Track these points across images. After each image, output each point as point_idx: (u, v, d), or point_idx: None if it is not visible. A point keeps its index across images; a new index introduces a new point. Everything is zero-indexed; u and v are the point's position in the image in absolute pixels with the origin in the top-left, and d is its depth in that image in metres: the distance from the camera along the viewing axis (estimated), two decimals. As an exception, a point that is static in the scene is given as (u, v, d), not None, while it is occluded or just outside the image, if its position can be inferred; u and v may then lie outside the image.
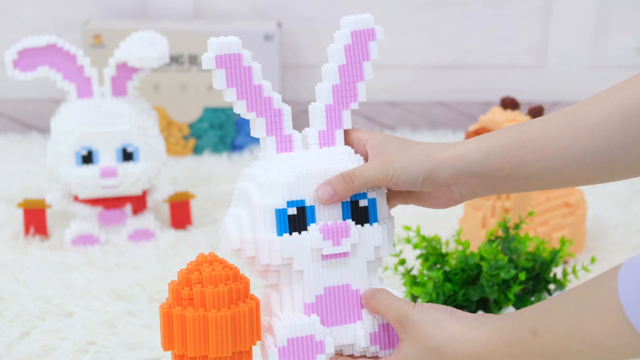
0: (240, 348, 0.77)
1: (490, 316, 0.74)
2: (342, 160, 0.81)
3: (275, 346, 0.78)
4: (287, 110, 0.82)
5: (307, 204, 0.79)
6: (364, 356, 0.81)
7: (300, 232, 0.79)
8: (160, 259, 1.31)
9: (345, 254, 0.80)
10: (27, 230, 1.37)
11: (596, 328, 0.67)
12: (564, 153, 0.77)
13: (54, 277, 1.24)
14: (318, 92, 0.84)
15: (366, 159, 0.83)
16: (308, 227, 0.79)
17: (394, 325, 0.77)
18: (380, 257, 0.82)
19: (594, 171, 0.78)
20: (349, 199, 0.80)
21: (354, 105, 0.84)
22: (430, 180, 0.80)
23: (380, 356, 0.81)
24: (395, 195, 0.85)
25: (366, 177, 0.79)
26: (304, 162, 0.80)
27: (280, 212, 0.78)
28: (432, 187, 0.80)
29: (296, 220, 0.79)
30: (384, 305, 0.78)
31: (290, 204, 0.79)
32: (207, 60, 0.80)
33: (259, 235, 0.78)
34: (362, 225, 0.81)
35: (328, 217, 0.80)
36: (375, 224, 0.81)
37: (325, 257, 0.79)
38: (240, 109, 0.80)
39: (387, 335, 0.81)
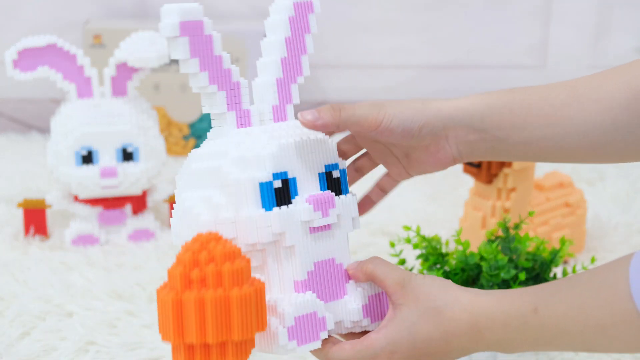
0: (260, 329, 0.71)
1: (491, 290, 0.75)
2: (315, 132, 0.78)
3: (284, 326, 0.72)
4: (244, 83, 0.79)
5: (290, 175, 0.75)
6: (352, 333, 0.78)
7: (287, 206, 0.74)
8: (160, 259, 1.31)
9: (329, 227, 0.76)
10: (27, 230, 1.37)
11: (602, 313, 0.66)
12: (567, 122, 0.76)
13: (54, 277, 1.24)
14: (265, 66, 0.81)
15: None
16: (292, 200, 0.75)
17: (394, 289, 0.74)
18: (354, 229, 0.79)
19: (594, 147, 0.76)
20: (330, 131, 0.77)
21: (300, 80, 0.81)
22: (429, 130, 0.76)
23: (370, 329, 0.77)
24: (392, 159, 0.82)
25: (355, 111, 0.75)
26: (279, 134, 0.76)
27: (264, 186, 0.73)
28: (429, 139, 0.77)
29: (281, 193, 0.74)
30: (383, 270, 0.75)
31: (275, 176, 0.74)
32: (169, 27, 0.74)
33: (243, 212, 0.73)
34: (338, 196, 0.77)
35: (309, 189, 0.76)
36: (348, 195, 0.78)
37: (313, 230, 0.75)
38: (201, 81, 0.76)
39: (379, 306, 0.78)
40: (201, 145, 0.79)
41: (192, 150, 0.79)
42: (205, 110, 0.78)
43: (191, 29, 0.76)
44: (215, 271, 0.69)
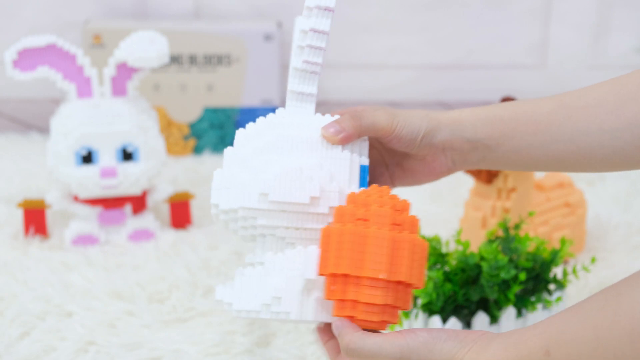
0: (420, 285, 0.72)
1: (493, 337, 0.71)
2: None
3: None
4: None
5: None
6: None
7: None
8: (160, 259, 1.31)
9: None
10: (27, 230, 1.37)
11: (622, 345, 0.63)
12: (555, 129, 0.77)
13: (54, 277, 1.24)
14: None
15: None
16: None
17: None
18: None
19: (583, 152, 0.77)
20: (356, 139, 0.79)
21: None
22: (428, 140, 0.79)
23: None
24: (381, 169, 0.84)
25: (374, 119, 0.78)
26: None
27: (364, 169, 0.78)
28: (427, 149, 0.80)
29: (364, 178, 0.79)
30: (369, 355, 0.72)
31: (363, 167, 0.79)
32: None
33: (347, 187, 0.77)
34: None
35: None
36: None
37: None
38: (319, 58, 0.79)
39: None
40: (276, 115, 0.80)
41: (274, 117, 0.79)
42: (290, 87, 0.79)
43: None
44: (378, 212, 0.71)
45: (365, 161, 0.79)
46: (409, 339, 0.71)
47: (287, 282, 0.75)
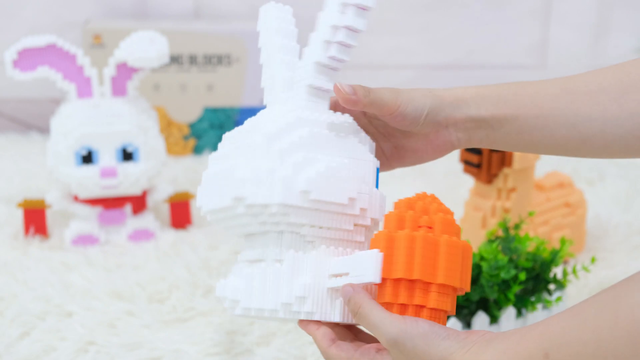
0: (464, 286, 0.73)
1: (492, 338, 0.70)
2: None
3: None
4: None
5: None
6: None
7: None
8: (160, 259, 1.31)
9: None
10: (27, 230, 1.37)
11: (622, 347, 0.63)
12: (558, 113, 0.78)
13: (54, 277, 1.24)
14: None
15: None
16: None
17: (388, 345, 0.72)
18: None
19: (584, 138, 0.78)
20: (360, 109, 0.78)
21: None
22: (432, 117, 0.79)
23: None
24: (384, 150, 0.83)
25: (380, 95, 0.77)
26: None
27: (377, 170, 0.79)
28: (431, 127, 0.79)
29: (377, 179, 0.80)
30: (369, 324, 0.72)
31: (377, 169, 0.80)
32: None
33: (372, 189, 0.77)
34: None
35: None
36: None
37: None
38: (347, 56, 0.78)
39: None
40: (297, 108, 0.79)
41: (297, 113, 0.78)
42: (310, 82, 0.78)
43: None
44: (430, 219, 0.73)
45: (378, 162, 0.80)
46: (409, 326, 0.71)
47: (314, 281, 0.74)
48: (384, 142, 0.84)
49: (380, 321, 0.71)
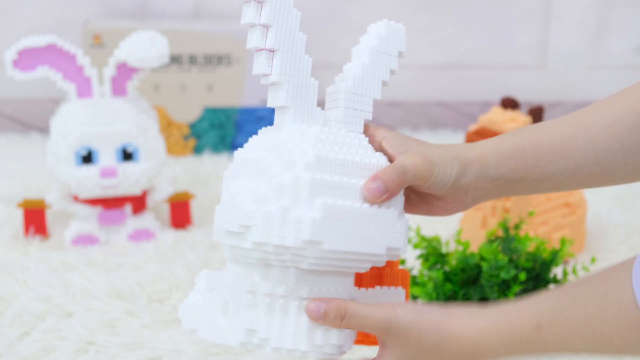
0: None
1: (483, 308, 0.72)
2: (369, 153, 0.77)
3: None
4: (314, 84, 0.77)
5: None
6: None
7: None
8: (160, 259, 1.31)
9: None
10: (27, 230, 1.37)
11: (609, 326, 0.65)
12: (577, 153, 0.77)
13: (54, 277, 1.24)
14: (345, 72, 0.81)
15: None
16: None
17: (379, 334, 0.73)
18: None
19: (606, 172, 0.77)
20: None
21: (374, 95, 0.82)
22: (455, 184, 0.78)
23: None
24: (409, 202, 0.83)
25: (416, 171, 0.75)
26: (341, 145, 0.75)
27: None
28: (452, 192, 0.78)
29: None
30: (360, 319, 0.72)
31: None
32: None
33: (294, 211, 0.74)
34: None
35: None
36: None
37: None
38: (267, 71, 0.73)
39: None
40: (259, 133, 0.77)
41: (251, 139, 0.76)
42: (269, 103, 0.75)
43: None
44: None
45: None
46: (398, 306, 0.72)
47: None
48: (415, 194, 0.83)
49: (371, 311, 0.72)
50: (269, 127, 0.77)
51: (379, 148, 0.79)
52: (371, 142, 0.80)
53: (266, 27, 0.72)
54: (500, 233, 1.15)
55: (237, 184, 0.73)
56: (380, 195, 0.73)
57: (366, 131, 0.80)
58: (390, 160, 0.78)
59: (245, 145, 0.76)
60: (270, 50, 0.72)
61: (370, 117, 0.79)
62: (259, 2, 0.72)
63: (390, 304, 0.73)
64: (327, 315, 0.72)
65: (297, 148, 0.72)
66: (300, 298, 0.73)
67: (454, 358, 0.72)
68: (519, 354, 0.71)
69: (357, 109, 0.79)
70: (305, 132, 0.74)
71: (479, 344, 0.71)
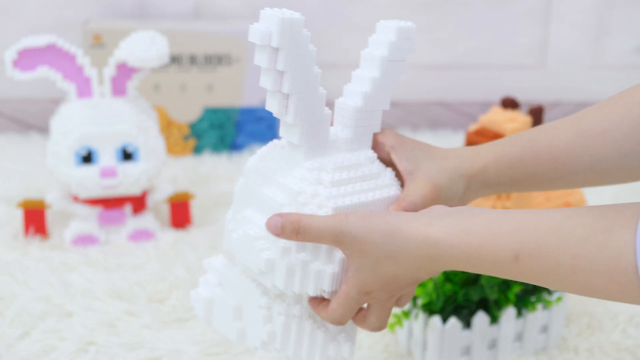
0: None
1: (446, 212, 0.71)
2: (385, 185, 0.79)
3: None
4: (327, 116, 0.78)
5: None
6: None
7: None
8: (160, 259, 1.31)
9: None
10: (27, 230, 1.37)
11: (598, 281, 0.62)
12: (574, 160, 0.78)
13: (54, 277, 1.24)
14: (350, 92, 0.82)
15: (387, 163, 0.82)
16: None
17: (334, 246, 0.73)
18: None
19: (602, 176, 0.79)
20: None
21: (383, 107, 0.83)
22: (459, 200, 0.80)
23: None
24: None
25: (425, 203, 0.78)
26: (345, 192, 0.76)
27: None
28: (456, 204, 0.80)
29: None
30: (313, 231, 0.73)
31: None
32: (262, 34, 0.71)
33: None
34: None
35: None
36: None
37: None
38: (280, 111, 0.73)
39: None
40: (270, 147, 0.78)
41: (264, 157, 0.78)
42: (282, 134, 0.76)
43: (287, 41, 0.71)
44: None
45: None
46: (350, 214, 0.72)
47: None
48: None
49: (324, 222, 0.72)
50: (280, 145, 0.78)
51: (388, 159, 0.81)
52: (379, 150, 0.81)
53: (281, 72, 0.72)
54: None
55: (255, 223, 0.75)
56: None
57: (373, 137, 0.81)
58: (400, 178, 0.80)
59: (257, 162, 0.78)
60: (286, 94, 0.72)
61: (379, 129, 0.81)
62: (274, 49, 0.71)
63: (344, 213, 0.72)
64: (284, 229, 0.73)
65: (314, 198, 0.74)
66: (314, 316, 0.79)
67: (414, 264, 0.70)
68: (487, 273, 0.68)
69: (367, 126, 0.80)
70: (320, 177, 0.75)
71: (439, 255, 0.69)
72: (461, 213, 0.70)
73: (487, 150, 0.81)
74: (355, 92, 0.80)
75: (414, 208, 0.77)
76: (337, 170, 0.76)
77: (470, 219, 0.69)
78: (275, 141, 0.79)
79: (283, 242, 0.73)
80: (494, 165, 0.80)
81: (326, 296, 0.78)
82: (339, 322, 0.76)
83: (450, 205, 0.79)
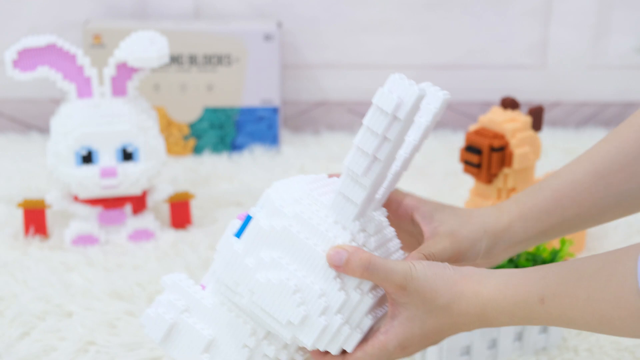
0: None
1: (493, 272, 0.73)
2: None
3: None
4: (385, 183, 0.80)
5: None
6: None
7: None
8: (160, 259, 1.31)
9: None
10: (27, 230, 1.37)
11: (610, 309, 0.66)
12: (599, 202, 0.79)
13: (54, 277, 1.24)
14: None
15: (407, 223, 0.82)
16: None
17: (395, 290, 0.73)
18: None
19: (630, 209, 0.80)
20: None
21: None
22: (485, 256, 0.81)
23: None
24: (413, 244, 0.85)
25: (443, 258, 0.78)
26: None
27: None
28: (480, 261, 0.81)
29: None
30: (382, 271, 0.73)
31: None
32: (394, 104, 0.68)
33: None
34: None
35: None
36: None
37: None
38: (368, 175, 0.73)
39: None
40: (301, 184, 0.77)
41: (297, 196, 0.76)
42: (342, 190, 0.74)
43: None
44: None
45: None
46: (416, 263, 0.73)
47: None
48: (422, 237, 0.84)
49: (393, 264, 0.73)
50: (320, 192, 0.77)
51: (410, 220, 0.82)
52: (402, 211, 0.82)
53: (386, 140, 0.71)
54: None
55: (293, 274, 0.74)
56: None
57: (399, 199, 0.82)
58: (421, 237, 0.81)
59: (294, 205, 0.75)
60: (375, 157, 0.72)
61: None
62: (395, 119, 0.70)
63: (409, 261, 0.74)
64: (349, 264, 0.72)
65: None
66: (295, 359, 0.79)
67: (461, 319, 0.73)
68: (521, 322, 0.72)
69: (388, 188, 0.81)
70: (365, 241, 0.76)
71: (486, 307, 0.72)
72: (506, 275, 0.73)
73: (509, 207, 0.82)
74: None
75: (430, 255, 0.78)
76: (376, 234, 0.77)
77: (502, 271, 0.73)
78: (306, 181, 0.78)
79: (325, 302, 0.73)
80: (520, 221, 0.80)
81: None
82: None
83: (475, 264, 0.80)
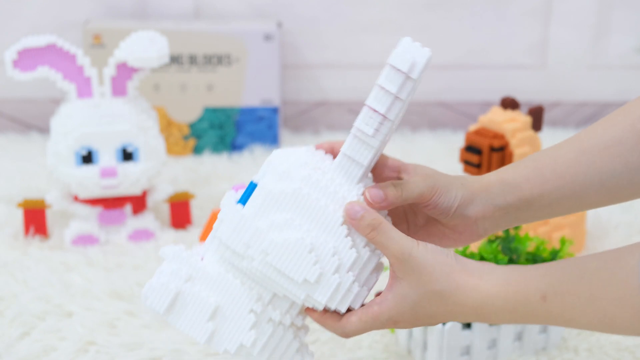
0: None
1: (494, 268, 0.74)
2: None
3: None
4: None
5: None
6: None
7: None
8: (160, 259, 1.31)
9: None
10: (27, 230, 1.37)
11: (612, 307, 0.66)
12: (582, 178, 0.78)
13: (54, 277, 1.24)
14: None
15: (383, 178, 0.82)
16: None
17: (394, 261, 0.74)
18: None
19: (613, 193, 0.79)
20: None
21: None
22: (461, 210, 0.79)
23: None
24: (403, 225, 0.84)
25: (413, 189, 0.78)
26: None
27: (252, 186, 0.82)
28: (460, 220, 0.80)
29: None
30: (387, 238, 0.74)
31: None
32: (409, 64, 0.73)
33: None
34: None
35: None
36: None
37: None
38: (382, 129, 0.75)
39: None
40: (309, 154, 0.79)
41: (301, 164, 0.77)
42: (348, 151, 0.77)
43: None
44: None
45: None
46: (420, 244, 0.74)
47: None
48: (416, 219, 0.84)
49: (399, 236, 0.74)
50: (324, 157, 0.79)
51: (396, 179, 0.82)
52: (387, 174, 0.82)
53: (397, 100, 0.74)
54: (500, 233, 1.15)
55: (308, 233, 0.75)
56: (379, 201, 0.76)
57: (379, 162, 0.81)
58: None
59: (301, 168, 0.77)
60: (385, 117, 0.74)
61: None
62: (409, 79, 0.74)
63: (415, 240, 0.75)
64: (363, 219, 0.74)
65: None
66: (295, 326, 0.79)
67: (457, 309, 0.73)
68: (520, 319, 0.72)
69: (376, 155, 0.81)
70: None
71: (485, 302, 0.72)
72: (508, 272, 0.73)
73: (490, 174, 0.82)
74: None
75: (400, 184, 0.77)
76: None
77: (504, 267, 0.73)
78: (311, 149, 0.79)
79: (337, 259, 0.74)
80: (498, 184, 0.80)
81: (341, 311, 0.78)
82: (350, 336, 0.77)
83: (452, 216, 0.79)
